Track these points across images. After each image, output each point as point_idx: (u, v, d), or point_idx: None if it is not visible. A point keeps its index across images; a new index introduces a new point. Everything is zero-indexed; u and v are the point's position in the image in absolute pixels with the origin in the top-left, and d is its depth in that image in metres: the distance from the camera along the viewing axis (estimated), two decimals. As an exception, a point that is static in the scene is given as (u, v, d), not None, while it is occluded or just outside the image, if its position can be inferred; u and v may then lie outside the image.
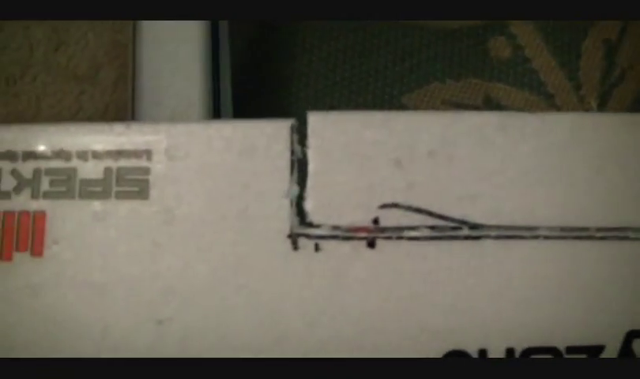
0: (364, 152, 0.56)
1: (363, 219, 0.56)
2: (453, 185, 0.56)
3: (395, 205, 0.57)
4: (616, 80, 1.03)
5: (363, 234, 0.57)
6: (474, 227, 0.56)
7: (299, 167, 0.56)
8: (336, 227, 0.56)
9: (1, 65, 0.96)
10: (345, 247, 0.56)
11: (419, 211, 0.57)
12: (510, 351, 0.54)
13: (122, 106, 0.94)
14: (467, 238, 0.56)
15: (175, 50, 0.66)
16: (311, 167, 0.56)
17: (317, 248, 0.56)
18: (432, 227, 0.56)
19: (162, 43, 0.66)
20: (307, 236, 0.56)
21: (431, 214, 0.57)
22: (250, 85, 1.03)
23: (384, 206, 0.57)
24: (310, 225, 0.57)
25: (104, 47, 0.97)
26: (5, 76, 0.97)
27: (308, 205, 0.57)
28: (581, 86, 1.02)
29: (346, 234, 0.56)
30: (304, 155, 0.56)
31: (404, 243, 0.56)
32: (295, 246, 0.56)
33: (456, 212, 0.56)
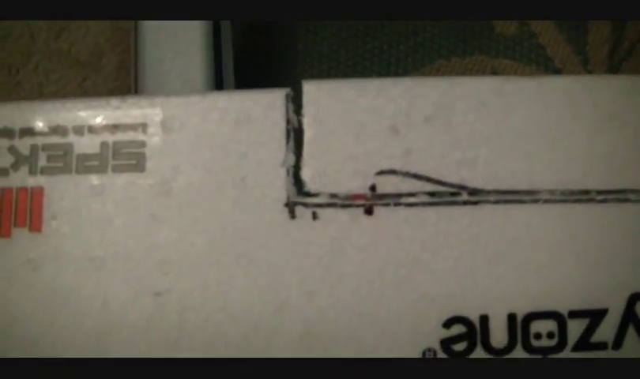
0: (360, 120, 0.55)
1: (360, 186, 0.56)
2: (451, 150, 0.56)
3: (392, 172, 0.56)
4: (625, 53, 1.01)
5: (361, 202, 0.56)
6: (473, 192, 0.56)
7: (295, 136, 0.56)
8: (333, 195, 0.56)
9: (3, 54, 0.97)
10: (343, 215, 0.56)
11: (416, 177, 0.56)
12: (511, 317, 0.54)
13: (125, 92, 0.93)
14: (466, 203, 0.56)
15: (176, 35, 0.67)
16: (307, 136, 0.56)
17: (314, 216, 0.55)
18: (430, 193, 0.55)
19: (163, 27, 0.66)
20: (305, 205, 0.56)
21: (429, 180, 0.56)
22: (253, 68, 1.02)
23: (381, 173, 0.56)
24: (307, 194, 0.56)
25: (106, 33, 0.97)
26: (7, 65, 0.97)
27: (305, 174, 0.56)
28: (589, 60, 1.01)
29: (343, 201, 0.56)
30: (300, 124, 0.56)
31: (402, 209, 0.56)
32: (293, 215, 0.56)
33: (454, 178, 0.55)
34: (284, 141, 0.55)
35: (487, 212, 0.55)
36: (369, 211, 0.56)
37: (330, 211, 0.56)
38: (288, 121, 0.55)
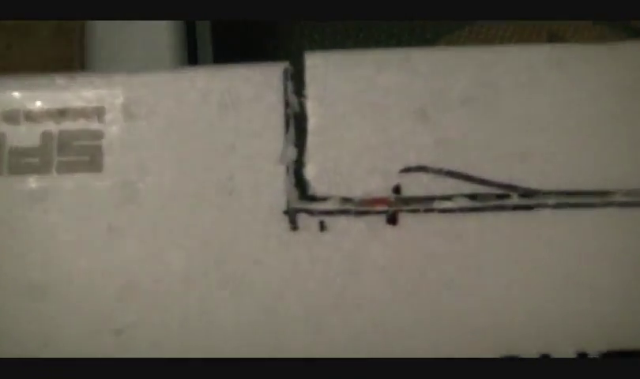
0: (379, 102, 0.51)
1: (380, 187, 0.51)
2: (496, 140, 0.51)
3: (421, 169, 0.52)
4: None
5: (382, 208, 0.51)
6: (526, 193, 0.51)
7: (296, 124, 0.50)
8: (345, 200, 0.52)
9: None
10: (359, 225, 0.50)
11: (452, 175, 0.52)
12: (581, 357, 0.48)
13: (67, 66, 0.81)
14: (516, 207, 0.49)
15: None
16: (312, 123, 0.50)
17: (322, 227, 0.49)
18: (471, 196, 0.51)
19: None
20: (310, 212, 0.50)
21: (468, 178, 0.52)
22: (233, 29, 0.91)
23: (407, 170, 0.52)
24: (313, 198, 0.50)
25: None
26: None
27: (309, 173, 0.53)
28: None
29: (359, 208, 0.50)
30: (302, 107, 0.52)
31: (435, 217, 0.49)
32: (295, 226, 0.49)
33: (501, 176, 0.50)
34: (281, 130, 0.50)
35: (544, 219, 0.50)
36: (392, 219, 0.52)
37: (342, 220, 0.50)
38: (287, 104, 0.50)
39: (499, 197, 0.51)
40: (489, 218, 0.51)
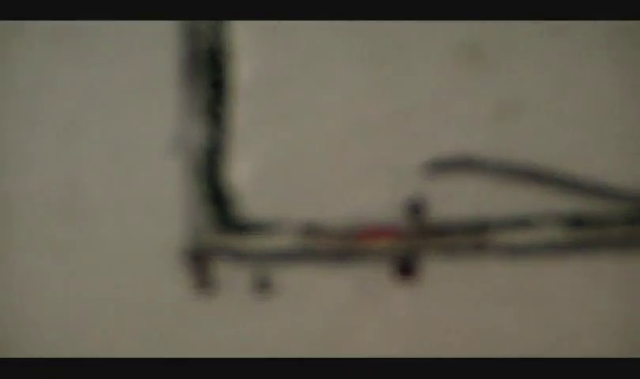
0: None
1: (379, 206, 0.41)
2: None
3: (468, 164, 0.40)
4: None
5: (386, 244, 0.39)
6: None
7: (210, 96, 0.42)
8: (312, 230, 0.40)
9: None
10: (337, 281, 0.40)
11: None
12: None
13: None
14: None
15: None
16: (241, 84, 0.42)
17: (262, 285, 0.40)
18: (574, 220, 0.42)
19: None
20: (237, 256, 0.40)
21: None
22: None
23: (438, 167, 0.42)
24: (243, 228, 0.40)
25: None
26: None
27: (238, 177, 0.41)
28: None
29: (340, 244, 0.40)
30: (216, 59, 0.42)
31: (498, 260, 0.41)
32: (204, 282, 0.41)
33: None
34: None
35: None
36: (407, 267, 0.39)
37: (304, 271, 0.39)
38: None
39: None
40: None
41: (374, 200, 0.44)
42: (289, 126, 0.46)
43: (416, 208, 0.41)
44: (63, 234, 0.48)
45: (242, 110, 0.46)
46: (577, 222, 0.46)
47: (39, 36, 0.49)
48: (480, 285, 0.45)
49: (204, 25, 0.48)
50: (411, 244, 0.42)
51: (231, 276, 0.43)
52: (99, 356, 0.48)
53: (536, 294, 0.46)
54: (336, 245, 0.42)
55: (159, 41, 0.47)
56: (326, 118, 0.47)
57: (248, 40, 0.47)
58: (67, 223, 0.48)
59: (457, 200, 0.45)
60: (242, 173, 0.42)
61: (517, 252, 0.46)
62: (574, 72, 0.47)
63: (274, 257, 0.43)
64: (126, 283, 0.47)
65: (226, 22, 0.47)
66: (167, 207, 0.45)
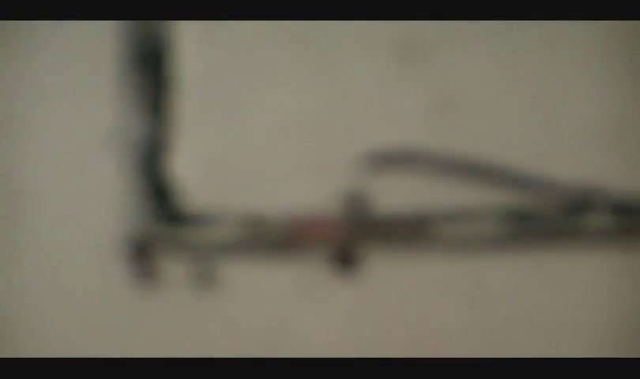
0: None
1: (318, 196, 0.41)
2: None
3: (406, 157, 0.41)
4: None
5: (325, 237, 0.39)
6: None
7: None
8: (252, 222, 0.41)
9: None
10: (280, 272, 0.40)
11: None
12: None
13: None
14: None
15: None
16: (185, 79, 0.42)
17: (204, 277, 0.41)
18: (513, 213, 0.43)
19: None
20: (179, 245, 0.40)
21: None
22: None
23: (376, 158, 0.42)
24: (183, 219, 0.39)
25: None
26: None
27: (180, 168, 0.41)
28: None
29: (281, 236, 0.40)
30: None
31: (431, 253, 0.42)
32: (145, 272, 0.40)
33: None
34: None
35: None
36: (346, 258, 0.39)
37: (245, 263, 0.39)
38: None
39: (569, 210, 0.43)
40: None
41: (314, 192, 0.44)
42: (231, 120, 0.46)
43: (355, 201, 0.41)
44: (2, 227, 0.47)
45: (186, 104, 0.46)
46: (516, 215, 0.46)
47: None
48: (419, 278, 0.45)
49: (146, 23, 0.47)
50: (351, 236, 0.42)
51: (174, 269, 0.42)
52: (36, 355, 0.46)
53: (475, 287, 0.46)
54: (277, 237, 0.42)
55: (100, 37, 0.47)
56: (268, 112, 0.47)
57: (191, 36, 0.47)
58: (7, 216, 0.47)
59: (396, 193, 0.45)
60: (184, 165, 0.42)
61: (456, 245, 0.46)
62: (512, 66, 0.47)
63: (216, 249, 0.43)
64: (67, 278, 0.46)
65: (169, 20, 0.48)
66: (109, 200, 0.45)
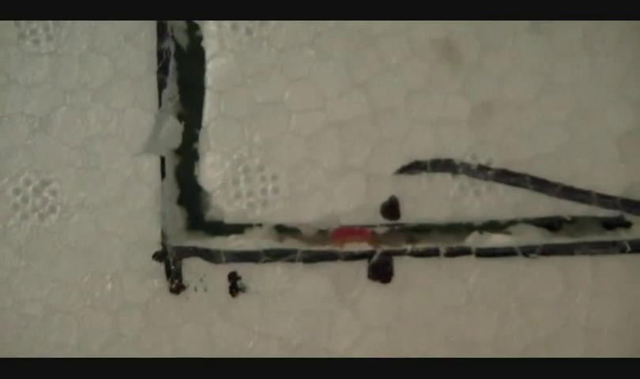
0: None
1: (354, 207, 0.40)
2: None
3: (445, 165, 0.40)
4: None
5: (360, 247, 0.38)
6: None
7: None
8: (284, 230, 0.39)
9: None
10: (311, 283, 0.39)
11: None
12: None
13: None
14: None
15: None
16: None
17: (235, 288, 0.38)
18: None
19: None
20: (209, 256, 0.39)
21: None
22: None
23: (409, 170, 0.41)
24: (216, 228, 0.39)
25: None
26: None
27: (207, 175, 0.40)
28: None
29: (314, 247, 0.38)
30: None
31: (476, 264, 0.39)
32: (177, 284, 0.39)
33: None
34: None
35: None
36: (381, 271, 0.37)
37: (278, 271, 0.38)
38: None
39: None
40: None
41: (348, 201, 0.42)
42: (262, 127, 0.44)
43: (390, 210, 0.39)
44: (31, 232, 0.45)
45: (215, 110, 0.44)
46: (554, 226, 0.44)
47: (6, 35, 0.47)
48: (455, 288, 0.43)
49: (177, 24, 0.45)
50: (385, 245, 0.40)
51: (204, 278, 0.41)
52: (66, 356, 0.45)
53: (511, 297, 0.44)
54: (309, 247, 0.40)
55: (134, 39, 0.45)
56: (299, 119, 0.44)
57: (221, 39, 0.45)
58: (36, 221, 0.45)
59: (432, 203, 0.43)
60: (215, 173, 0.41)
61: (493, 255, 0.43)
62: (554, 72, 0.45)
63: (247, 258, 0.41)
64: (96, 284, 0.45)
65: (199, 21, 0.45)
66: (139, 207, 0.43)
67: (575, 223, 0.45)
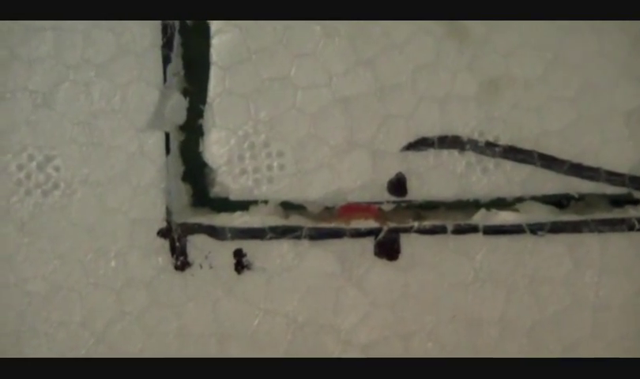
0: None
1: (361, 183, 0.39)
2: None
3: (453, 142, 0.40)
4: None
5: (367, 223, 0.38)
6: None
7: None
8: (290, 207, 0.39)
9: None
10: (317, 260, 0.38)
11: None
12: None
13: None
14: None
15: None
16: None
17: (240, 265, 0.37)
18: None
19: None
20: (214, 233, 0.39)
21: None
22: None
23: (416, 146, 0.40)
24: (222, 204, 0.39)
25: None
26: None
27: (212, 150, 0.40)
28: None
29: (320, 224, 0.38)
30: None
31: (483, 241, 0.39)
32: (182, 260, 0.38)
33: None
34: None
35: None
36: (389, 248, 0.36)
37: (284, 248, 0.38)
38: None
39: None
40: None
41: (354, 178, 0.42)
42: (268, 103, 0.43)
43: (397, 186, 0.38)
44: (34, 209, 0.45)
45: (220, 86, 0.43)
46: (562, 203, 0.44)
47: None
48: (462, 266, 0.42)
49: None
50: (392, 223, 0.40)
51: (209, 255, 0.40)
52: (70, 334, 0.44)
53: (518, 275, 0.43)
54: (315, 224, 0.40)
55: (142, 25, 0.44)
56: (305, 95, 0.44)
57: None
58: (39, 197, 0.45)
59: (439, 180, 0.43)
60: (220, 149, 0.40)
61: (500, 232, 0.43)
62: (561, 50, 0.44)
63: (252, 235, 0.40)
64: (100, 262, 0.44)
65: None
66: (143, 184, 0.42)
67: (583, 200, 0.44)
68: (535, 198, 0.44)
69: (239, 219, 0.42)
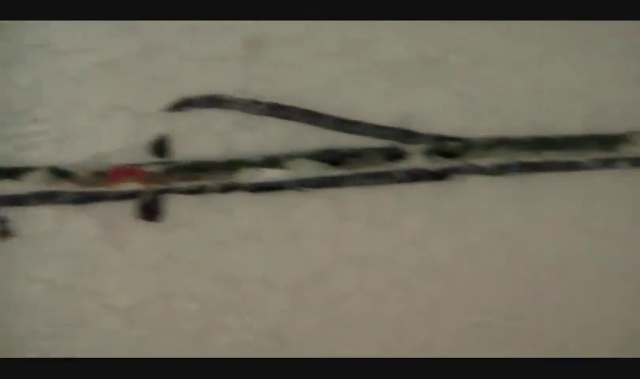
0: None
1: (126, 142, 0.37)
2: None
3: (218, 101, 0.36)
4: None
5: (130, 186, 0.35)
6: None
7: None
8: (57, 173, 0.37)
9: None
10: (85, 224, 0.37)
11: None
12: None
13: None
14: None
15: None
16: None
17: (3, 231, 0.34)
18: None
19: None
20: None
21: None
22: None
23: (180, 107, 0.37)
24: None
25: None
26: None
27: None
28: None
29: (85, 188, 0.35)
30: None
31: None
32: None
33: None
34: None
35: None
36: (150, 211, 0.35)
37: (49, 214, 0.36)
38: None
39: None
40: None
41: (116, 141, 0.41)
42: (26, 68, 0.41)
43: (160, 148, 0.38)
44: None
45: None
46: (328, 159, 0.42)
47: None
48: (225, 225, 0.42)
49: None
50: (156, 184, 0.38)
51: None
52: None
53: (281, 231, 0.42)
54: (81, 188, 0.39)
55: None
56: (65, 60, 0.42)
57: None
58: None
59: (204, 140, 0.42)
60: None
61: (266, 190, 0.42)
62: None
63: (16, 201, 0.39)
64: None
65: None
66: None
67: (356, 156, 0.42)
68: (305, 155, 0.42)
69: (5, 186, 0.40)
